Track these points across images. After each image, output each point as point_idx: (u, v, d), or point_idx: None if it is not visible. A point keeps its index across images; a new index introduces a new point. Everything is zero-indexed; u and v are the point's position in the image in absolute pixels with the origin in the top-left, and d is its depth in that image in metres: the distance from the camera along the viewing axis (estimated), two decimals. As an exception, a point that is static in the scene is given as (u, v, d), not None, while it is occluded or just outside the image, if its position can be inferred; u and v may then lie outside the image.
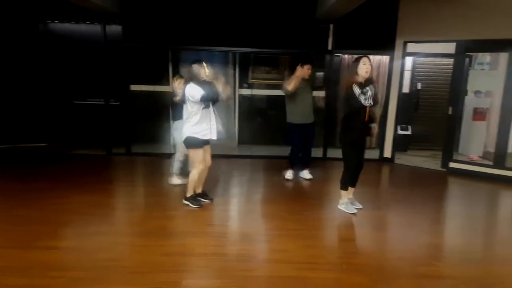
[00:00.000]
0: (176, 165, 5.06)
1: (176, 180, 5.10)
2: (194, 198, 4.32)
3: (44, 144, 7.31)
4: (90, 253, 3.19)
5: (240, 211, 4.50)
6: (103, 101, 6.80)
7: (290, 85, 5.04)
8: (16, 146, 7.08)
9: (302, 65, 5.10)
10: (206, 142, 4.21)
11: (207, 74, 4.03)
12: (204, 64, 4.04)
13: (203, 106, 4.03)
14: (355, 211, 4.22)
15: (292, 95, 5.14)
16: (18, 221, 3.81)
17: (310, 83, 5.33)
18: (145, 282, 2.78)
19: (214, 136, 4.16)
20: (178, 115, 4.71)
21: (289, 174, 5.55)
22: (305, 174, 5.58)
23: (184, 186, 4.61)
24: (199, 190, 4.43)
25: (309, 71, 5.17)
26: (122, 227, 3.90)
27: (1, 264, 2.99)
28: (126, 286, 2.73)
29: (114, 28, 6.67)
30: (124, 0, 6.38)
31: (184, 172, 4.99)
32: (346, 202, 4.28)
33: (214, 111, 4.17)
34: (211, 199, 4.48)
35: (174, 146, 5.17)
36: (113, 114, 6.80)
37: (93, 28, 7.03)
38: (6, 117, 7.02)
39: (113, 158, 6.67)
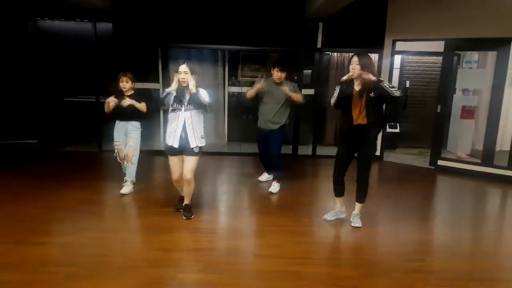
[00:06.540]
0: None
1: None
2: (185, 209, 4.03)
3: (34, 141, 7.34)
4: (83, 249, 3.23)
5: (231, 207, 4.55)
6: (94, 98, 6.83)
7: (249, 91, 4.83)
8: (6, 142, 7.10)
9: (272, 68, 4.79)
10: (179, 151, 3.80)
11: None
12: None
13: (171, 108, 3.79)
14: (330, 218, 3.96)
15: (259, 99, 4.87)
16: (9, 217, 3.83)
17: (284, 86, 4.68)
18: (138, 276, 2.82)
19: (175, 144, 3.75)
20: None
21: (262, 176, 5.40)
22: (271, 186, 4.95)
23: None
24: (187, 200, 4.02)
25: (279, 73, 4.69)
26: (113, 223, 3.92)
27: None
28: (119, 281, 2.76)
29: (104, 26, 6.69)
30: (114, -2, 6.40)
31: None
32: (330, 212, 4.02)
33: (186, 119, 3.74)
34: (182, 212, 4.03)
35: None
36: (104, 111, 6.80)
37: (83, 26, 7.07)
38: (-3, 114, 7.05)
39: (104, 155, 6.68)
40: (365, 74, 3.50)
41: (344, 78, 3.62)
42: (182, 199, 4.08)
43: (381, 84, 3.47)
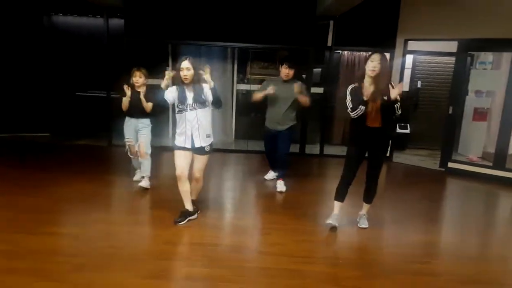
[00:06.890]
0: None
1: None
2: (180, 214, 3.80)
3: (46, 134, 7.46)
4: (91, 240, 3.29)
5: (236, 204, 4.57)
6: (105, 94, 6.90)
7: (256, 94, 4.77)
8: (19, 135, 7.22)
9: (280, 65, 4.70)
10: (186, 148, 3.69)
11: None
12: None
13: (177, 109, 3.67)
14: (333, 223, 3.70)
15: (266, 99, 4.75)
16: (20, 208, 3.90)
17: (293, 84, 4.63)
18: (145, 269, 2.87)
19: (187, 145, 3.66)
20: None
21: (268, 175, 5.36)
22: (277, 185, 4.91)
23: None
24: (187, 206, 3.81)
25: (287, 70, 4.62)
26: (121, 216, 3.98)
27: (7, 248, 3.08)
28: (126, 272, 2.81)
29: (116, 22, 6.76)
30: (126, -6, 6.45)
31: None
32: (331, 216, 3.76)
33: (192, 119, 3.60)
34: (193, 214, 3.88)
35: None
36: (114, 106, 6.89)
37: (96, 22, 7.13)
38: (10, 106, 7.16)
39: (114, 149, 6.76)
40: (394, 88, 3.27)
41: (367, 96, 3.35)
42: (183, 213, 3.78)
43: (395, 104, 3.32)
